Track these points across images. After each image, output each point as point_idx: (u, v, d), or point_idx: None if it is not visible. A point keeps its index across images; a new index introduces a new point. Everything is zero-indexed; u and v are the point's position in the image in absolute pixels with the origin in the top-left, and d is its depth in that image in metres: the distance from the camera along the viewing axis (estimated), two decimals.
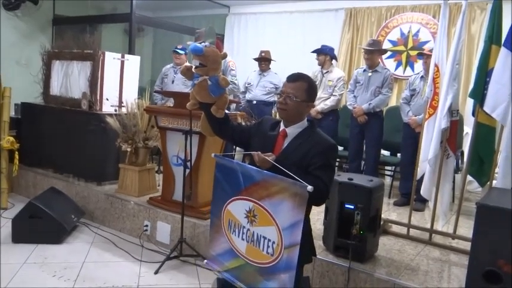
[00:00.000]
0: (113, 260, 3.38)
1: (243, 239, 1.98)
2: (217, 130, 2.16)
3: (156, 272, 3.18)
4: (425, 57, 4.10)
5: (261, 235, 1.90)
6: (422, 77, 4.22)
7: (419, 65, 5.27)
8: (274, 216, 1.83)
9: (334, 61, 5.02)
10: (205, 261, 2.23)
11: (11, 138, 4.35)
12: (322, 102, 4.79)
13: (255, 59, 5.45)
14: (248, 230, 1.95)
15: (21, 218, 3.60)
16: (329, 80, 4.85)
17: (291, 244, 1.78)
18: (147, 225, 3.74)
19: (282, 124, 2.05)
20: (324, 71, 4.90)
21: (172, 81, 5.30)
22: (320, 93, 4.74)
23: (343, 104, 5.50)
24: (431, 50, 4.03)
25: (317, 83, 4.63)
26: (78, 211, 4.03)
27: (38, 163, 4.78)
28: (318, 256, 2.83)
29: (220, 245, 2.11)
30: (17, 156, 4.37)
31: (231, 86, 4.77)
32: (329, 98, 4.82)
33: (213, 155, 2.09)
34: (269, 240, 1.86)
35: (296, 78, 2.00)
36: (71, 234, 3.80)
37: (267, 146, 1.97)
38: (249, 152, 1.98)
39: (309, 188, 1.69)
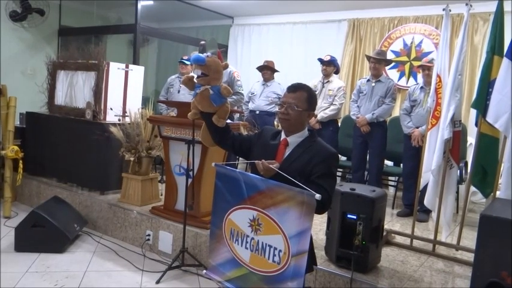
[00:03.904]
0: (115, 270, 3.38)
1: (246, 248, 1.97)
2: (218, 140, 2.17)
3: (157, 282, 3.16)
4: (426, 68, 4.10)
5: (266, 244, 1.89)
6: (422, 87, 4.23)
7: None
8: (280, 224, 1.83)
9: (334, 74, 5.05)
10: (205, 271, 2.21)
11: (16, 147, 4.38)
12: (322, 112, 4.80)
13: (258, 68, 5.48)
14: (252, 238, 1.94)
15: (24, 227, 3.61)
16: (329, 90, 4.87)
17: (298, 252, 1.78)
18: (149, 235, 3.74)
19: (282, 133, 2.07)
20: (325, 81, 4.91)
21: (178, 91, 5.34)
22: (320, 103, 4.77)
23: (345, 114, 5.52)
24: (430, 61, 4.05)
25: (317, 92, 4.65)
26: (81, 220, 4.04)
27: (42, 172, 4.80)
28: (320, 266, 2.83)
29: (221, 255, 2.10)
30: (21, 165, 4.39)
31: (237, 97, 4.80)
32: (329, 107, 4.82)
33: (213, 164, 2.09)
34: (275, 248, 1.86)
35: (296, 88, 2.02)
36: (74, 243, 3.81)
37: (268, 155, 1.98)
38: (252, 161, 1.99)
39: (317, 196, 1.69)
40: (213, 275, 2.15)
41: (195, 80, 2.08)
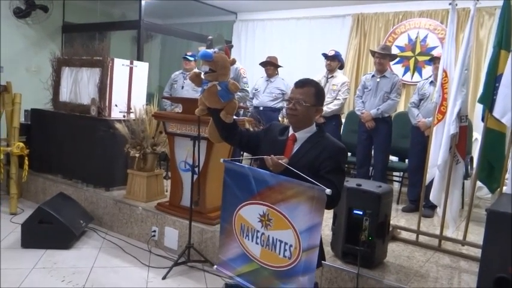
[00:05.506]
0: (121, 265, 3.39)
1: (257, 243, 1.97)
2: (225, 136, 2.17)
3: (164, 278, 3.18)
4: (437, 61, 4.07)
5: (277, 239, 1.89)
6: (431, 82, 4.22)
7: (427, 71, 5.28)
8: (290, 219, 1.83)
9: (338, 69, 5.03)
10: (215, 266, 2.21)
11: (21, 144, 4.39)
12: (325, 106, 4.77)
13: (261, 64, 5.47)
14: (263, 234, 1.95)
15: (31, 223, 3.62)
16: (333, 84, 4.84)
17: (309, 247, 1.78)
18: (155, 231, 3.75)
19: (290, 129, 2.06)
20: (329, 76, 4.89)
21: (182, 87, 5.34)
22: None
23: (350, 109, 5.50)
24: None
25: None
26: (87, 216, 4.06)
27: (47, 169, 4.82)
28: (326, 262, 2.83)
29: (232, 250, 2.10)
30: (26, 162, 4.41)
31: (242, 93, 4.77)
32: (332, 102, 4.81)
33: (221, 160, 2.09)
34: (286, 243, 1.86)
35: (303, 83, 2.02)
36: (80, 239, 3.82)
37: (276, 151, 1.97)
38: (261, 156, 1.99)
39: (328, 191, 1.69)
40: (223, 270, 2.15)
41: (202, 76, 2.08)
